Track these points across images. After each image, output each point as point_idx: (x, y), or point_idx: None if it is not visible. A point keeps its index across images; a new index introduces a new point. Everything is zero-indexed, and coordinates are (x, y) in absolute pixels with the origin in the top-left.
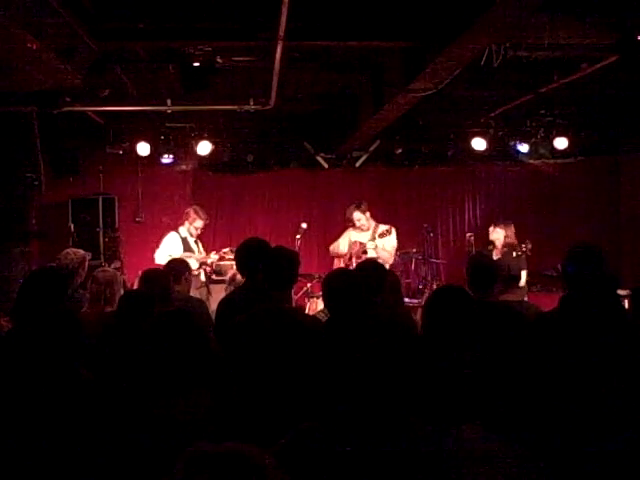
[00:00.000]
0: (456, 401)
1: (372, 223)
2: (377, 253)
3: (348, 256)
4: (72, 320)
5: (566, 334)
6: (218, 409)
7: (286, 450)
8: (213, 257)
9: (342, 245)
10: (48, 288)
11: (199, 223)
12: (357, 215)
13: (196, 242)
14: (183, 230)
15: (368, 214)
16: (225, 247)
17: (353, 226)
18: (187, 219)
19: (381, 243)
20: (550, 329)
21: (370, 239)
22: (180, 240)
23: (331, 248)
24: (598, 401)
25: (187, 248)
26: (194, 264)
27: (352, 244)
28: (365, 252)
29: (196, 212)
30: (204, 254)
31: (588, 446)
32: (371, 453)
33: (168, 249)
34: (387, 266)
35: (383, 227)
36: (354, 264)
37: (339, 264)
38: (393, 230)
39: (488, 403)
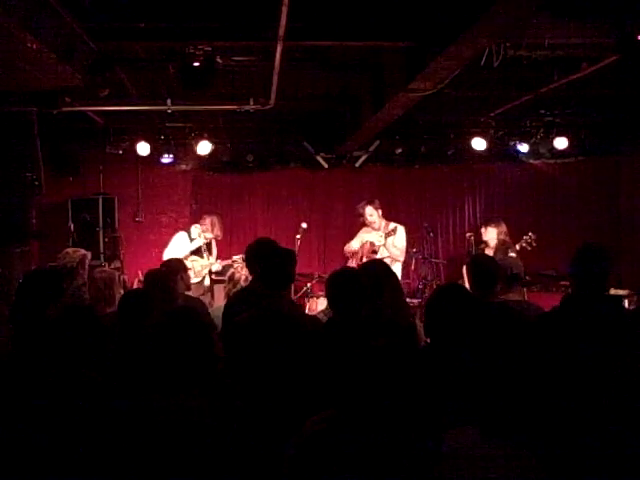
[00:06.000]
0: (455, 402)
1: (383, 223)
2: (388, 251)
3: (359, 255)
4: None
5: (567, 334)
6: (221, 409)
7: (306, 440)
8: (216, 266)
9: (354, 245)
10: (44, 288)
11: (209, 235)
12: (369, 210)
13: (208, 244)
14: (195, 231)
15: (380, 212)
16: (225, 247)
17: (364, 224)
18: (203, 224)
19: (390, 241)
20: (552, 329)
21: (379, 238)
22: (189, 241)
23: (345, 248)
24: (597, 403)
25: (195, 250)
26: (197, 268)
27: (364, 244)
28: (375, 252)
29: (212, 224)
30: (212, 259)
31: (586, 448)
32: (370, 452)
33: (176, 250)
34: (398, 264)
35: (391, 226)
36: None
37: (351, 264)
38: (399, 228)
39: (487, 404)
